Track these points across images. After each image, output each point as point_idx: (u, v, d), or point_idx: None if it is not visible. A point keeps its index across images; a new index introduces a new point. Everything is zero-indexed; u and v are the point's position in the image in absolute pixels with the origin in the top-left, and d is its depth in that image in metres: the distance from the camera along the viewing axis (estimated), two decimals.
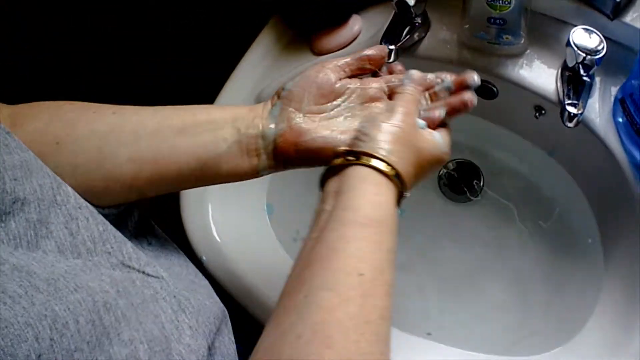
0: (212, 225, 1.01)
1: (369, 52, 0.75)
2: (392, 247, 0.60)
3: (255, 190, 1.06)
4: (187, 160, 0.66)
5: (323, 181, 0.63)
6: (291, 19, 1.14)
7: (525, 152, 1.11)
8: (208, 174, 0.68)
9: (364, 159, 0.61)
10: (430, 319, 1.05)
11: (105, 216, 0.62)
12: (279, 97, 0.71)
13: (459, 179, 1.17)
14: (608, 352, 0.83)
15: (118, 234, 0.59)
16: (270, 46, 1.14)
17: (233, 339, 0.72)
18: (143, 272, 0.59)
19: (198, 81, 1.01)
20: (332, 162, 0.63)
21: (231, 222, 1.02)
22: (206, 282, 0.76)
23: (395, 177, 0.61)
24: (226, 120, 0.68)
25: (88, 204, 0.58)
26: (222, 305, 0.73)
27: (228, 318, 0.74)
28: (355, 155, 0.61)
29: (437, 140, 0.68)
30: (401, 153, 0.62)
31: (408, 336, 0.92)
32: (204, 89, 1.06)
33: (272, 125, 0.68)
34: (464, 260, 1.11)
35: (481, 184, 1.16)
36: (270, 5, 1.16)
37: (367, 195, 0.60)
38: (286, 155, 0.68)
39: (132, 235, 0.70)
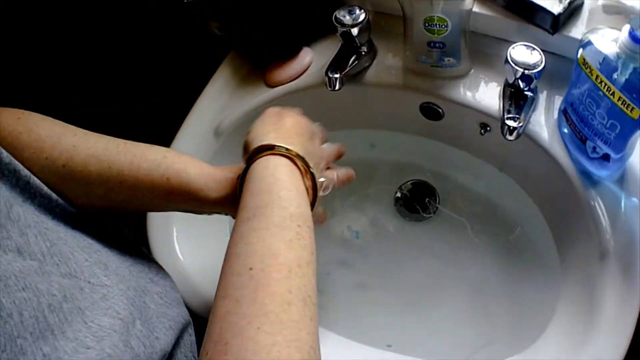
0: (176, 246, 1.04)
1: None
2: (281, 221, 0.62)
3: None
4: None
5: None
6: (247, 54, 1.18)
7: (476, 168, 1.14)
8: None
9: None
10: (391, 332, 1.07)
11: (78, 216, 0.70)
12: None
13: (413, 199, 1.20)
14: (568, 354, 0.85)
15: (64, 248, 0.63)
16: (227, 80, 1.17)
17: (196, 348, 0.76)
18: (89, 282, 0.62)
19: (159, 114, 1.04)
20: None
21: (195, 243, 1.05)
22: (168, 288, 0.79)
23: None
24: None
25: (37, 222, 0.62)
26: (184, 316, 0.76)
27: (191, 326, 0.77)
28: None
29: None
30: None
31: (368, 348, 0.95)
32: (166, 121, 1.09)
33: None
34: (422, 275, 1.13)
35: (436, 202, 1.19)
36: (227, 41, 1.19)
37: (249, 188, 0.67)
38: None
39: (102, 235, 0.74)
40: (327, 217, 0.85)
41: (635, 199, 0.89)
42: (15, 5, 1.31)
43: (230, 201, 0.73)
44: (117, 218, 0.81)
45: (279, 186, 0.65)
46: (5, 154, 0.64)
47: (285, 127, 0.74)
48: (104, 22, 1.42)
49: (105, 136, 0.76)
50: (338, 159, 0.86)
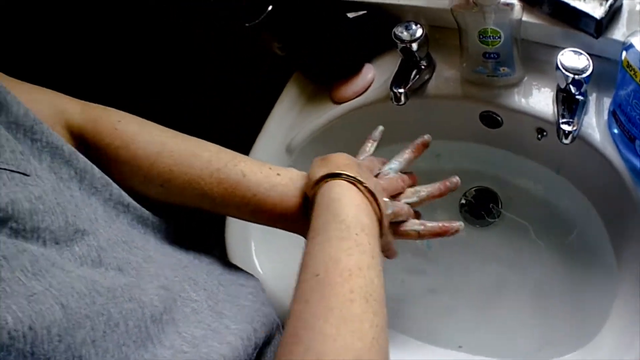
0: (255, 259, 1.10)
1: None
2: (339, 233, 0.67)
3: None
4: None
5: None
6: (310, 73, 1.24)
7: (535, 172, 1.16)
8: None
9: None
10: (461, 333, 1.10)
11: (166, 232, 0.76)
12: None
13: (478, 205, 1.24)
14: (623, 352, 0.86)
15: (150, 271, 0.67)
16: (294, 99, 1.24)
17: None
18: (179, 296, 0.68)
19: (230, 135, 1.09)
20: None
21: (273, 257, 1.11)
22: (259, 289, 0.85)
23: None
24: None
25: (127, 241, 0.67)
26: (275, 317, 0.81)
27: (280, 330, 0.82)
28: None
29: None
30: None
31: (441, 350, 1.00)
32: (237, 141, 1.14)
33: None
34: (488, 278, 1.17)
35: (499, 207, 1.22)
36: (292, 61, 1.25)
37: (314, 213, 0.73)
38: None
39: (191, 249, 0.80)
40: (396, 253, 0.89)
41: None
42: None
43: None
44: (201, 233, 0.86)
45: (337, 203, 0.71)
46: (97, 169, 0.70)
47: (333, 162, 0.78)
48: (170, 44, 1.46)
49: (199, 155, 0.80)
50: (410, 186, 0.91)
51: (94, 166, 0.69)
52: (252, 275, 0.88)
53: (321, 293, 0.61)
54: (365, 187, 0.74)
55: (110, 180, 0.71)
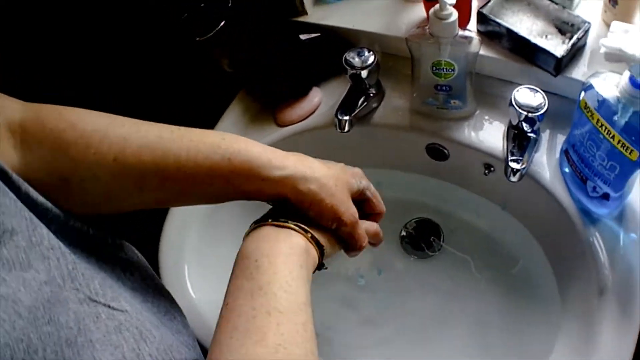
0: (188, 282, 1.06)
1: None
2: (243, 266, 0.69)
3: (230, 252, 1.11)
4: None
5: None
6: (256, 92, 1.21)
7: (480, 207, 1.16)
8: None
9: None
10: None
11: (94, 238, 0.71)
12: None
13: (418, 237, 1.22)
14: None
15: (87, 271, 0.64)
16: (238, 118, 1.21)
17: None
18: (108, 306, 0.63)
19: None
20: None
21: (206, 280, 1.08)
22: (183, 325, 0.80)
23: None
24: None
25: (60, 244, 0.62)
26: (198, 351, 0.78)
27: None
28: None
29: None
30: None
31: None
32: None
33: None
34: (427, 312, 1.15)
35: (440, 240, 1.21)
36: (239, 79, 1.23)
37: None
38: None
39: (117, 264, 0.74)
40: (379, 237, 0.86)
41: (634, 235, 0.91)
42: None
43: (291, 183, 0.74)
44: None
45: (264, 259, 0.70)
46: (15, 176, 0.63)
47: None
48: (112, 56, 1.44)
49: (158, 124, 0.74)
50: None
51: (20, 180, 0.64)
52: (177, 305, 0.83)
53: (228, 317, 0.63)
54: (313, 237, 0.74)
55: (35, 193, 0.65)
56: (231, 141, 0.73)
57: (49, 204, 0.66)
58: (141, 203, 0.74)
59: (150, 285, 0.79)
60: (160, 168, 0.71)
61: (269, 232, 0.72)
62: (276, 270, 0.67)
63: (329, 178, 0.75)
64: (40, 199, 0.65)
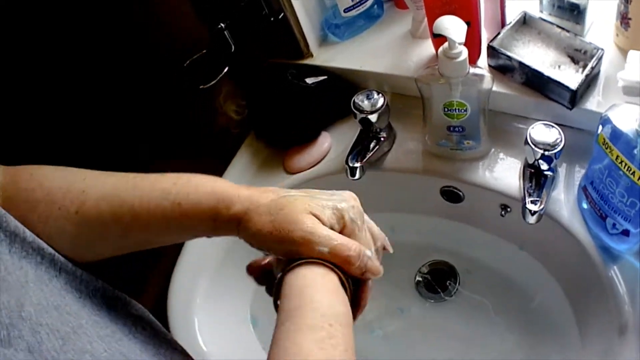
0: (199, 335, 1.03)
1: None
2: (313, 322, 0.63)
3: (239, 303, 1.10)
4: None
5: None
6: (264, 137, 1.19)
7: (497, 248, 1.13)
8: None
9: None
10: None
11: (104, 297, 0.69)
12: None
13: (434, 280, 1.20)
14: None
15: (83, 339, 0.62)
16: (247, 164, 1.19)
17: None
18: None
19: None
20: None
21: (217, 333, 1.05)
22: None
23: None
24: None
25: (49, 322, 0.60)
26: None
27: None
28: None
29: None
30: None
31: None
32: None
33: None
34: (444, 357, 1.12)
35: (456, 283, 1.19)
36: (248, 122, 1.21)
37: (285, 292, 0.67)
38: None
39: (129, 318, 0.73)
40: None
41: None
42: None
43: (243, 218, 0.71)
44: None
45: (310, 289, 0.66)
46: (28, 232, 0.65)
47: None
48: (117, 105, 1.44)
49: (116, 174, 0.75)
50: None
51: (25, 229, 0.65)
52: (190, 357, 0.81)
53: None
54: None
55: (43, 243, 0.67)
56: (182, 184, 0.73)
57: (57, 257, 0.67)
58: (112, 250, 0.75)
59: (162, 340, 0.78)
60: (118, 218, 0.72)
61: (323, 273, 0.68)
62: (347, 346, 0.63)
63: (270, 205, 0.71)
64: (49, 252, 0.66)
